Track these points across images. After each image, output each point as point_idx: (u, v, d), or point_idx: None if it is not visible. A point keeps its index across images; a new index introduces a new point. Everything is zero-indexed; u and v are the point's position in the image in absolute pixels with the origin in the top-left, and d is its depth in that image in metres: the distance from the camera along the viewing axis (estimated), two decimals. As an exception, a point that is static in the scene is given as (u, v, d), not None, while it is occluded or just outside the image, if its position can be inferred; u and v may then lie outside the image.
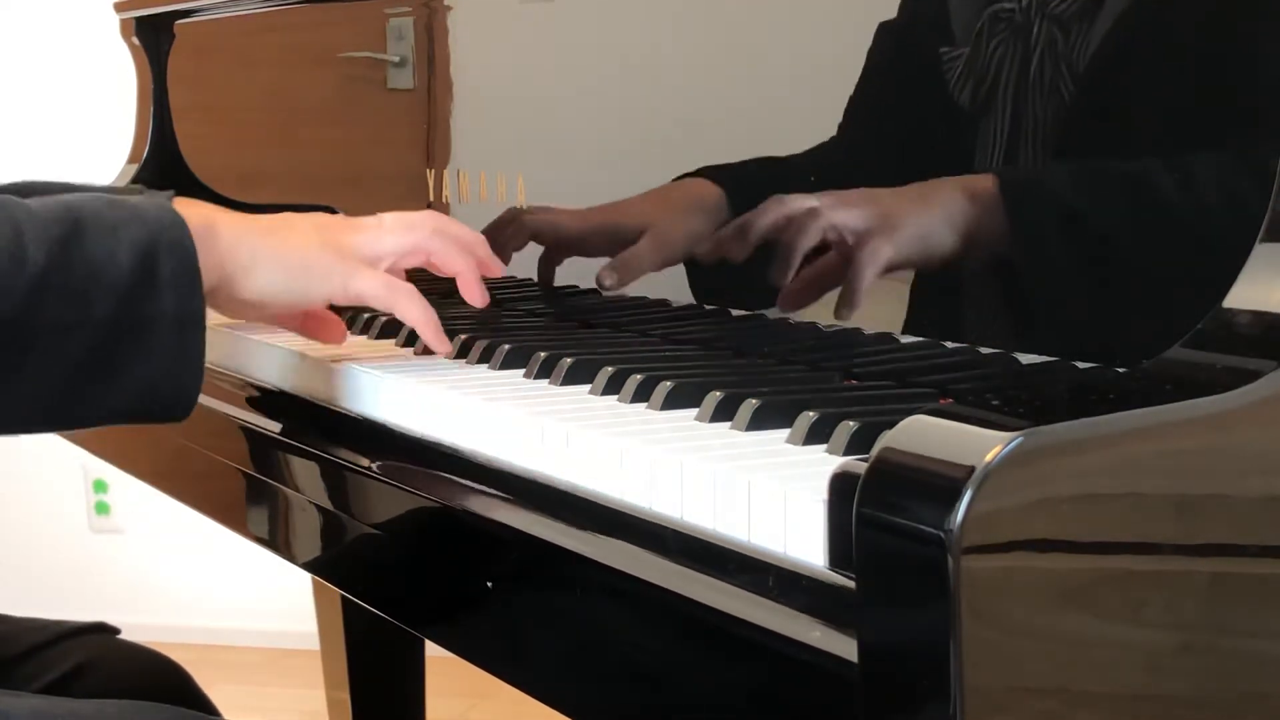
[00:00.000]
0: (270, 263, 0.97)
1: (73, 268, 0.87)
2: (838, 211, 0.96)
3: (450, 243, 1.05)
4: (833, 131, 0.99)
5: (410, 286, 1.02)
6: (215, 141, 1.77)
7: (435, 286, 1.36)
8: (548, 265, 1.23)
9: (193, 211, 0.93)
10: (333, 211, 1.54)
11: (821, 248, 0.97)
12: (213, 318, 0.94)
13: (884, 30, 0.95)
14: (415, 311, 1.02)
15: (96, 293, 0.87)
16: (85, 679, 1.14)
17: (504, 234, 1.24)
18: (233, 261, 0.95)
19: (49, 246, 0.87)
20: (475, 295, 1.06)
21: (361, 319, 1.21)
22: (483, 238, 1.07)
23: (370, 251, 1.02)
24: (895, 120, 0.97)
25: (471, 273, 1.05)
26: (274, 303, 0.99)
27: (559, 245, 1.22)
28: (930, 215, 0.91)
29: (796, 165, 1.01)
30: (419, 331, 1.04)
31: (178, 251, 0.89)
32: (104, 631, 1.21)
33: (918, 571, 0.57)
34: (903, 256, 0.93)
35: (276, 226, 0.99)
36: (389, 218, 1.05)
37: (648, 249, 1.12)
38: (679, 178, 1.10)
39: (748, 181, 1.04)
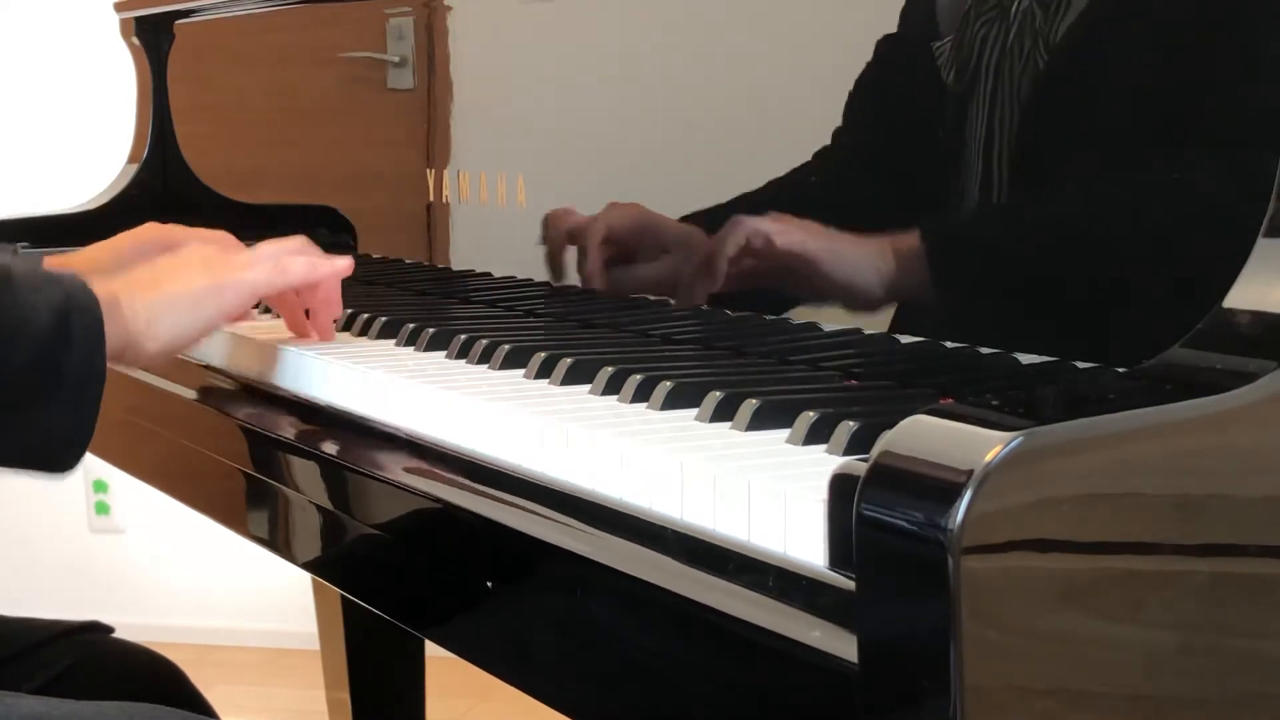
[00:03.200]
0: (166, 312, 1.05)
1: (5, 311, 0.93)
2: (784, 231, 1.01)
3: (318, 251, 1.14)
4: (832, 131, 0.99)
5: (293, 252, 1.12)
6: (215, 141, 1.77)
7: (433, 287, 1.36)
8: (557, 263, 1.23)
9: (98, 286, 1.00)
10: (333, 211, 1.54)
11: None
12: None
13: (885, 27, 0.95)
14: (309, 268, 1.11)
15: (20, 339, 0.93)
16: (79, 678, 1.14)
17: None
18: (135, 324, 1.02)
19: None
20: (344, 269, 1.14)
21: (360, 320, 1.21)
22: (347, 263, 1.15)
23: (252, 258, 1.11)
24: (894, 120, 0.97)
25: (333, 268, 1.13)
26: (182, 343, 1.07)
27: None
28: (920, 252, 0.93)
29: (796, 168, 1.01)
30: (309, 280, 1.13)
31: (87, 314, 0.96)
32: (98, 631, 1.21)
33: (918, 571, 0.57)
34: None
35: (163, 276, 1.07)
36: (262, 244, 1.14)
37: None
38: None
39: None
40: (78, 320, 0.95)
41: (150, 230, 1.27)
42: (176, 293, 1.05)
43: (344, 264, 1.13)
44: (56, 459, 0.97)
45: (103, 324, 0.97)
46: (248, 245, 1.16)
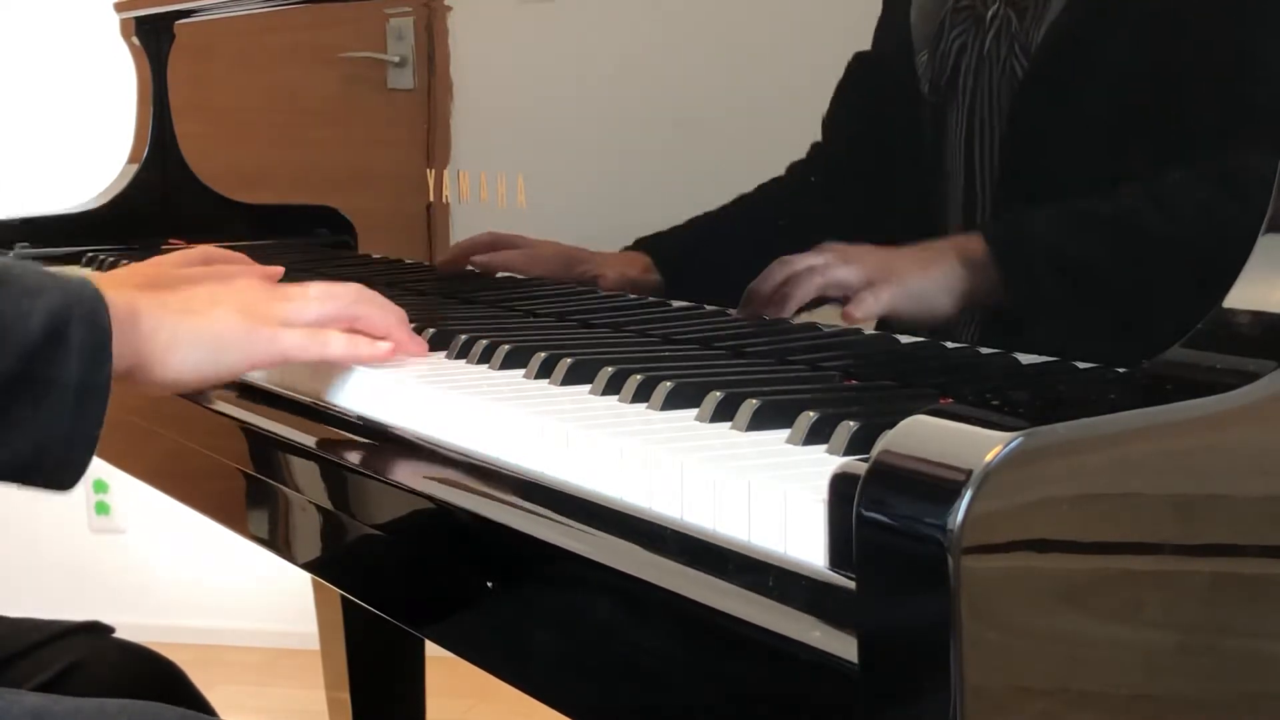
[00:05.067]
0: (188, 343, 0.98)
1: None
2: (836, 269, 0.97)
3: (374, 308, 1.05)
4: (834, 132, 0.99)
5: (333, 330, 1.02)
6: (215, 141, 1.77)
7: (433, 287, 1.36)
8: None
9: (119, 295, 0.94)
10: (334, 211, 1.54)
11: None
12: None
13: (882, 29, 0.95)
14: (350, 348, 1.03)
15: (3, 346, 0.87)
16: (79, 678, 1.14)
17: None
18: (151, 344, 0.96)
19: None
20: (413, 348, 1.06)
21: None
22: (403, 312, 1.08)
23: (294, 317, 1.02)
24: (893, 122, 0.97)
25: (401, 330, 1.06)
26: (192, 381, 1.00)
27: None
28: (928, 275, 0.92)
29: (793, 170, 1.01)
30: (346, 362, 1.04)
31: (90, 322, 0.90)
32: (97, 630, 1.21)
33: (918, 571, 0.57)
34: (896, 307, 0.94)
35: (197, 306, 1.00)
36: (314, 287, 1.05)
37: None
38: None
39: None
40: (78, 329, 0.89)
41: (203, 252, 1.21)
42: (203, 327, 0.98)
43: (384, 350, 1.04)
44: (53, 475, 0.91)
45: (109, 335, 0.90)
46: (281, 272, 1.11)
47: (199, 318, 0.99)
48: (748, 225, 1.04)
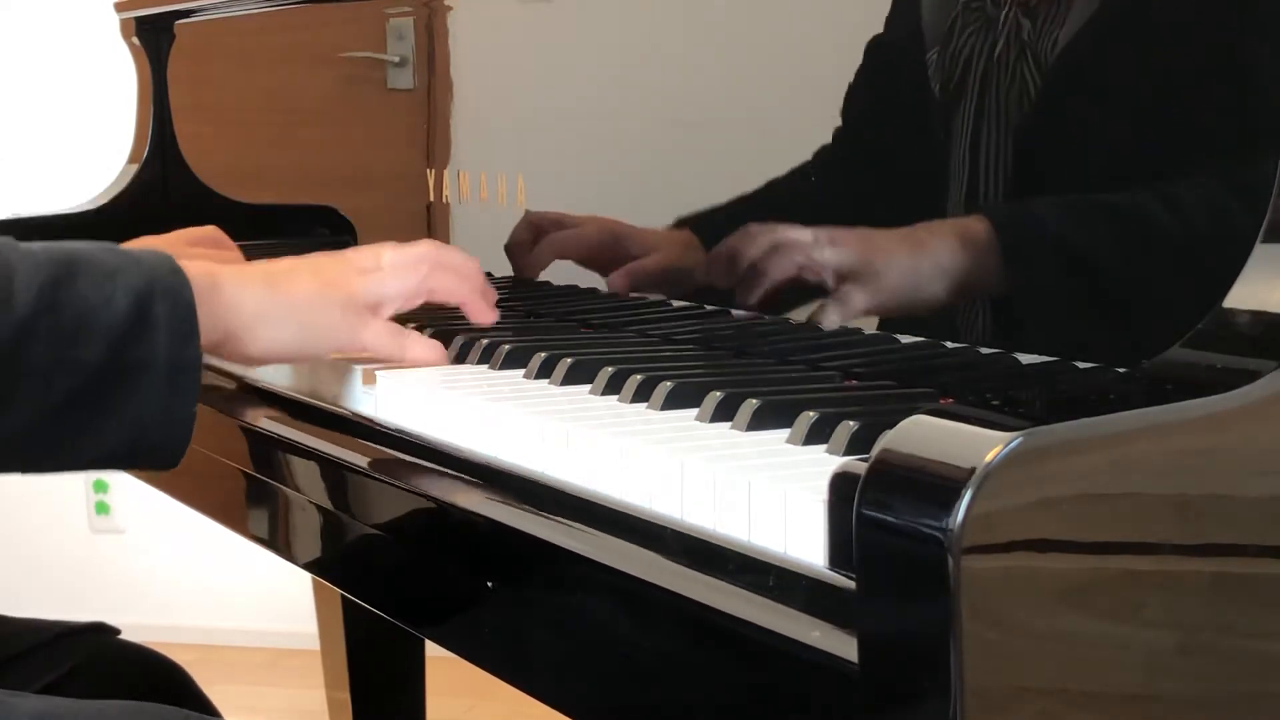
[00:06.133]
0: (276, 318, 0.97)
1: (62, 309, 0.86)
2: (824, 250, 0.97)
3: (450, 275, 1.05)
4: (834, 132, 0.99)
5: (415, 334, 1.03)
6: (215, 141, 1.77)
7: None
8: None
9: (196, 266, 0.93)
10: (333, 211, 1.54)
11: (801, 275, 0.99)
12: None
13: (887, 28, 0.95)
14: (428, 354, 1.03)
15: (85, 336, 0.86)
16: (84, 679, 1.14)
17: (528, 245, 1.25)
18: (237, 316, 0.95)
19: (39, 289, 0.86)
20: (485, 318, 1.07)
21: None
22: (477, 263, 1.08)
23: (375, 298, 1.01)
24: (893, 121, 0.97)
25: (476, 300, 1.06)
26: (284, 355, 1.00)
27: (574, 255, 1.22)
28: (920, 254, 0.92)
29: (795, 171, 1.01)
30: (420, 366, 1.04)
31: (173, 297, 0.89)
32: (103, 632, 1.21)
33: (918, 571, 0.57)
34: (883, 298, 0.95)
35: (278, 278, 0.99)
36: (389, 257, 1.03)
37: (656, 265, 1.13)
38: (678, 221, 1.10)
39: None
40: (161, 305, 0.88)
41: (210, 231, 1.21)
42: (291, 303, 0.97)
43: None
44: (155, 456, 0.90)
45: (194, 309, 0.89)
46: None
47: (282, 291, 0.98)
48: (748, 225, 1.04)
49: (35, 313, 0.86)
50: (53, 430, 0.88)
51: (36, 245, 0.89)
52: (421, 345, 1.03)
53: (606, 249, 1.16)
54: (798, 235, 0.99)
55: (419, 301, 1.04)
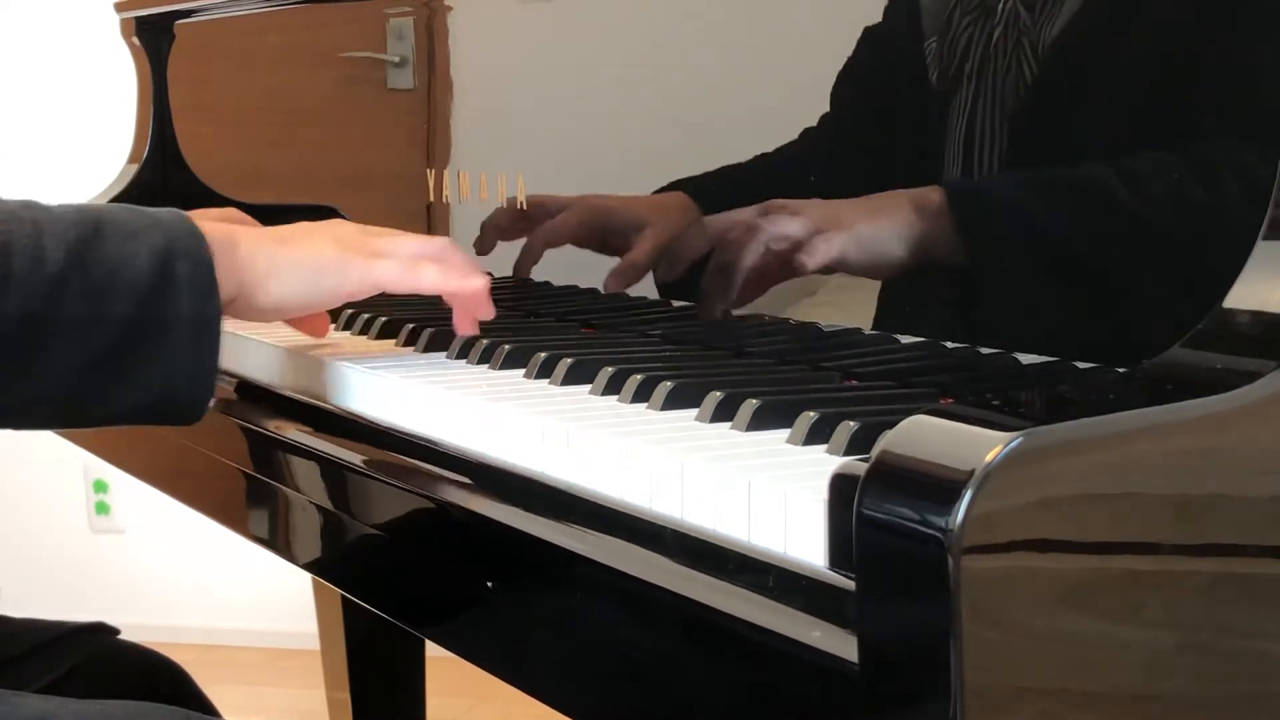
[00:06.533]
0: (287, 269, 0.99)
1: (92, 267, 0.89)
2: (782, 222, 0.99)
3: (462, 258, 1.06)
4: (833, 130, 0.99)
5: (428, 263, 1.03)
6: (215, 141, 1.77)
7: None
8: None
9: (211, 225, 0.95)
10: (334, 211, 1.54)
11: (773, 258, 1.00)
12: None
13: (880, 24, 0.95)
14: (436, 279, 1.03)
15: (114, 292, 0.89)
16: (84, 679, 1.14)
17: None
18: (251, 271, 0.97)
19: (69, 246, 0.89)
20: (466, 329, 1.07)
21: (360, 319, 1.21)
22: (486, 280, 1.07)
23: (388, 249, 1.03)
24: (892, 117, 0.97)
25: (465, 306, 1.06)
26: (293, 306, 1.01)
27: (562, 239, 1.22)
28: (885, 223, 0.92)
29: (795, 165, 1.01)
30: (452, 301, 1.05)
31: (194, 255, 0.92)
32: (103, 632, 1.21)
33: (918, 571, 0.57)
34: (847, 259, 0.96)
35: (293, 236, 1.01)
36: (404, 233, 1.06)
37: (647, 251, 1.13)
38: (662, 188, 1.10)
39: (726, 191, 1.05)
40: (183, 264, 0.91)
41: (230, 211, 1.22)
42: (301, 256, 1.00)
43: (479, 284, 1.04)
44: (181, 411, 0.93)
45: (212, 265, 0.92)
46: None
47: (295, 247, 1.00)
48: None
49: (66, 268, 0.89)
50: (85, 385, 0.90)
51: (58, 206, 0.92)
52: (435, 270, 1.03)
53: (597, 230, 1.18)
54: (797, 229, 0.99)
55: (421, 281, 1.03)
